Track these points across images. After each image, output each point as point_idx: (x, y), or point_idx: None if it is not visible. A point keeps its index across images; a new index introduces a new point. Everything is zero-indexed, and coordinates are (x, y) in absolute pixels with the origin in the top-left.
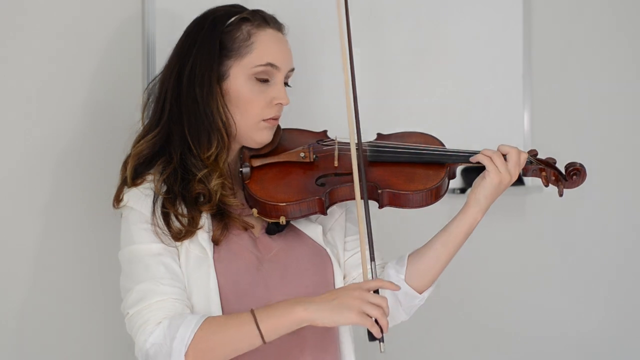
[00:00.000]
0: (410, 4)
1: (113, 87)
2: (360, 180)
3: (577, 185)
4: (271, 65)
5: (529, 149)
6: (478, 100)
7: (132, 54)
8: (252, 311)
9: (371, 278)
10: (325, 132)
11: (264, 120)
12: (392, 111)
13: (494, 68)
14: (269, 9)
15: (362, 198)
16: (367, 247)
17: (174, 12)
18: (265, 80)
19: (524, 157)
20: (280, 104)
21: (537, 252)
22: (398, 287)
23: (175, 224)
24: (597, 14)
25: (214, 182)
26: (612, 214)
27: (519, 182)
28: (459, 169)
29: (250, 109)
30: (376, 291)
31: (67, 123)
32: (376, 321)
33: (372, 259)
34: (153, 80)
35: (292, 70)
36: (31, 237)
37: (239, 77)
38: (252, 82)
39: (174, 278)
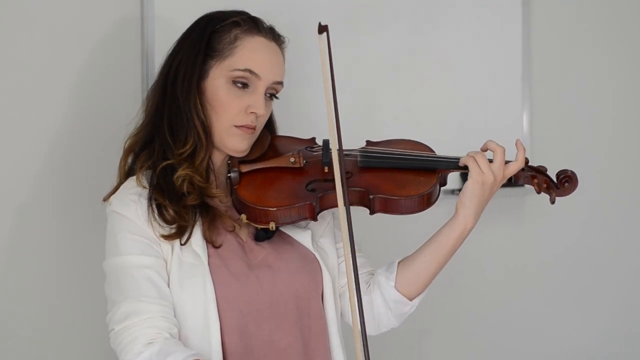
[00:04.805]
0: (409, 4)
1: (111, 91)
2: (344, 198)
3: (569, 193)
4: (250, 72)
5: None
6: (477, 101)
7: (130, 58)
8: None
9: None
10: (313, 139)
11: (235, 126)
12: (392, 113)
13: (493, 70)
14: (263, 16)
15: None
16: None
17: (172, 16)
18: (245, 87)
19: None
20: (254, 113)
21: (536, 253)
22: None
23: (169, 214)
24: (596, 15)
25: (181, 172)
26: (612, 215)
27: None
28: (450, 176)
29: (223, 113)
30: (366, 340)
31: (65, 125)
32: None
33: (365, 344)
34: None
35: (280, 83)
36: (33, 238)
37: (217, 79)
38: (230, 86)
39: (161, 295)
